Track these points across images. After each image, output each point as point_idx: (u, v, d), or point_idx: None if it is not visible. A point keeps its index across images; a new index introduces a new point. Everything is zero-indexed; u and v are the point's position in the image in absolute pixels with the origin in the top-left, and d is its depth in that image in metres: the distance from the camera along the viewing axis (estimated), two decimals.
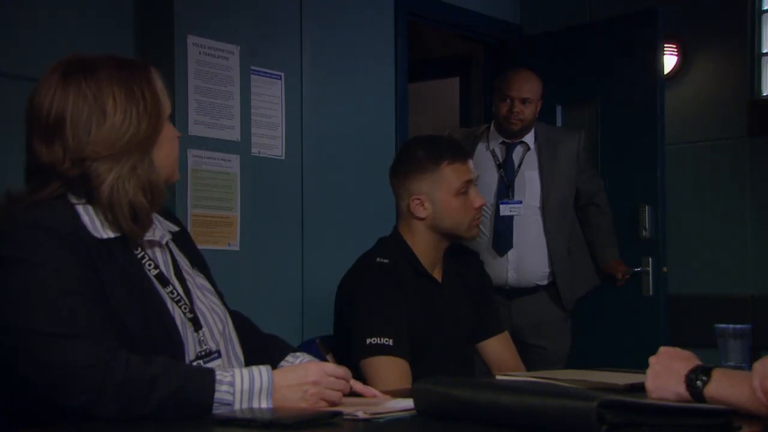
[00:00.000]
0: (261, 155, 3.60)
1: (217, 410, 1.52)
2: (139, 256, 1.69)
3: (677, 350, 1.61)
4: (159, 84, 1.74)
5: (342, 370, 1.66)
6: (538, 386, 1.43)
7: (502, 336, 2.64)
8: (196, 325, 1.70)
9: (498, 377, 2.26)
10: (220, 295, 1.89)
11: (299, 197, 3.77)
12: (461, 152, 2.51)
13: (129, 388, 1.47)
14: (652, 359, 1.60)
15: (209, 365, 1.67)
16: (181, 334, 1.66)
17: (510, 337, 2.70)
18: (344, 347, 2.41)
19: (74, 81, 1.66)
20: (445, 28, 4.72)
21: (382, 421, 1.49)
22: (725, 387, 1.47)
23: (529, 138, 3.88)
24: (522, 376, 2.18)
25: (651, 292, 4.17)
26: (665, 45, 4.38)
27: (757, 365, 1.44)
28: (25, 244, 1.55)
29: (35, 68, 2.98)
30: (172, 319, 1.65)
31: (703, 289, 4.41)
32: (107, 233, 1.63)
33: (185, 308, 1.69)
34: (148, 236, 1.71)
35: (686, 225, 4.46)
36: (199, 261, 1.90)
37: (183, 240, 1.88)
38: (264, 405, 1.55)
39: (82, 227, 1.61)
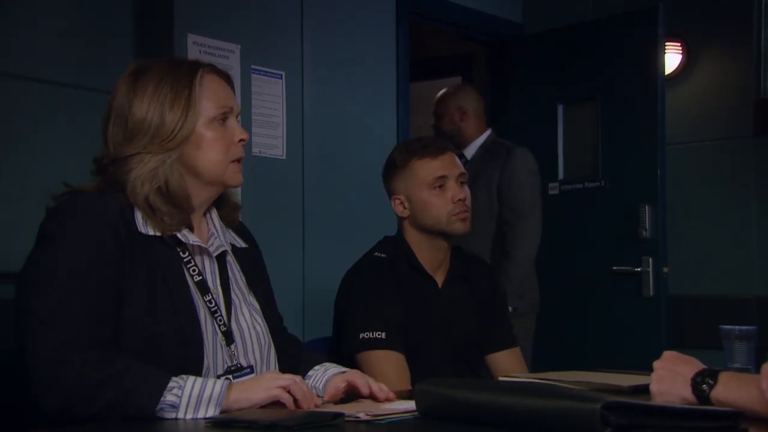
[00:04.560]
0: (262, 155, 3.58)
1: (164, 414, 1.52)
2: (185, 259, 1.70)
3: (681, 355, 1.59)
4: (207, 85, 1.74)
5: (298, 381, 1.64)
6: (540, 387, 1.42)
7: (512, 351, 2.58)
8: (228, 339, 1.71)
9: (500, 379, 2.24)
10: (279, 319, 1.91)
11: (300, 197, 3.76)
12: (433, 148, 2.48)
13: (76, 389, 1.49)
14: (656, 363, 1.59)
15: (239, 380, 1.67)
16: (205, 341, 1.66)
17: (521, 353, 2.63)
18: (340, 340, 2.42)
19: (126, 82, 1.72)
20: (446, 27, 4.70)
21: (383, 423, 1.48)
22: (732, 390, 1.45)
23: (469, 150, 4.03)
24: (524, 378, 2.17)
25: (652, 293, 4.14)
26: (670, 44, 4.36)
27: (765, 367, 1.42)
28: (60, 222, 1.62)
29: (35, 68, 3.00)
30: (198, 324, 1.66)
31: (708, 289, 4.39)
32: (147, 230, 1.67)
33: (220, 320, 1.70)
34: (197, 242, 1.73)
35: (691, 225, 4.45)
36: (261, 283, 1.89)
37: (250, 259, 1.89)
38: (210, 413, 1.53)
39: (131, 221, 1.65)
